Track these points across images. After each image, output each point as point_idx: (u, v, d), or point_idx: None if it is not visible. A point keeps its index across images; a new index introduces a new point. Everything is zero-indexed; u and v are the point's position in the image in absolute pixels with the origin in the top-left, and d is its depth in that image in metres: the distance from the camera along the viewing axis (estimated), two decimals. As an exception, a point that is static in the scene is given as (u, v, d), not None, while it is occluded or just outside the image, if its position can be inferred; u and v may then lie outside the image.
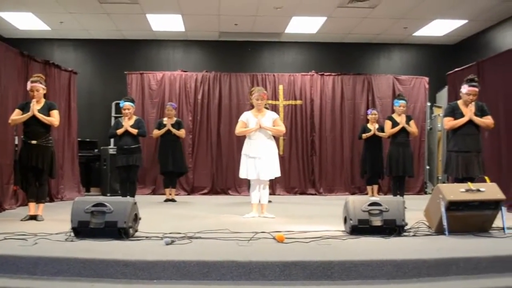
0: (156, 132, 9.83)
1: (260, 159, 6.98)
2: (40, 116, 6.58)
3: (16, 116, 6.67)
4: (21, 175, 6.78)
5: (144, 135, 8.94)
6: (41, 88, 6.71)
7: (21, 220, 6.50)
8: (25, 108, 6.65)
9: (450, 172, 6.80)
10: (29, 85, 6.71)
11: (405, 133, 8.74)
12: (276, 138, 7.74)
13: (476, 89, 6.67)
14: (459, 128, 6.65)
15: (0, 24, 11.67)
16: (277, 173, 7.17)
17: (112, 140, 11.22)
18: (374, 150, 9.90)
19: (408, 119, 8.82)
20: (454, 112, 6.73)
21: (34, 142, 6.59)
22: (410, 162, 8.77)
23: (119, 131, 8.65)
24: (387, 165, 8.85)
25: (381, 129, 9.74)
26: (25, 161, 6.61)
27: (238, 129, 7.22)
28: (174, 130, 9.69)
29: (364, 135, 9.99)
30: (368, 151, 10.00)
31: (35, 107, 6.57)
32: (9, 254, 4.04)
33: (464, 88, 6.70)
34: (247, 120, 7.16)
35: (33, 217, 6.59)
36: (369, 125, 10.07)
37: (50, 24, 11.84)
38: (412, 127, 8.78)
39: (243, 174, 7.15)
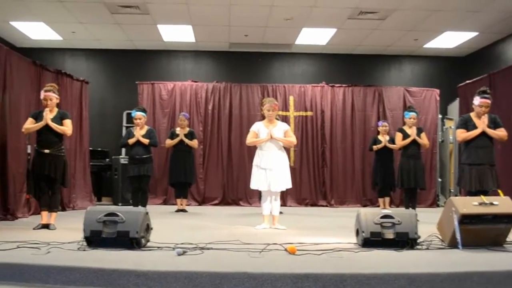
0: (169, 142, 9.85)
1: (271, 170, 6.96)
2: (53, 125, 6.62)
3: (30, 125, 6.71)
4: (34, 184, 6.80)
5: (155, 145, 8.89)
6: (54, 97, 6.74)
7: (34, 229, 6.52)
8: (38, 117, 6.70)
9: (464, 185, 6.74)
10: (42, 94, 6.75)
11: (416, 145, 8.67)
12: (287, 150, 7.68)
13: (489, 101, 6.63)
14: (472, 140, 6.60)
15: (13, 33, 11.79)
16: (289, 185, 7.13)
17: (123, 150, 11.26)
18: (385, 162, 9.84)
19: (419, 131, 8.76)
20: (466, 124, 6.68)
21: (47, 151, 6.63)
22: (422, 174, 8.71)
23: (131, 141, 8.63)
24: (399, 177, 8.77)
25: (392, 141, 9.72)
26: (38, 170, 6.64)
27: (249, 139, 7.21)
28: (187, 141, 9.72)
29: (375, 147, 9.91)
30: (379, 163, 9.93)
31: (48, 116, 6.61)
32: (22, 262, 4.05)
33: (476, 100, 6.67)
34: (258, 130, 7.15)
35: (46, 226, 6.60)
36: (379, 137, 10.00)
37: (62, 34, 11.95)
38: (423, 139, 8.73)
39: (254, 185, 7.12)
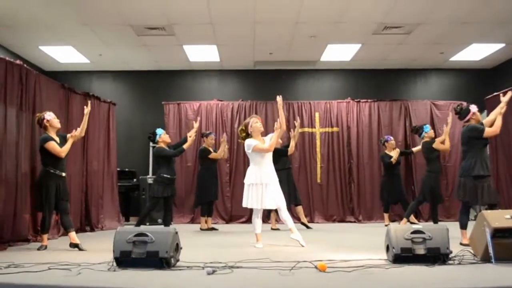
0: (215, 154, 9.87)
1: (268, 185, 6.90)
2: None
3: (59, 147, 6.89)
4: (51, 207, 6.93)
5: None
6: None
7: (38, 249, 6.72)
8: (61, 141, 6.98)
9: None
10: (56, 122, 7.12)
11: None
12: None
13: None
14: None
15: (42, 58, 12.01)
16: (284, 201, 7.07)
17: (150, 170, 11.29)
18: (394, 177, 10.49)
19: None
20: None
21: (64, 174, 6.98)
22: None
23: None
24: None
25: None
26: (57, 194, 6.87)
27: (266, 144, 6.93)
28: (219, 152, 9.83)
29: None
30: (390, 179, 10.52)
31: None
32: (54, 284, 4.09)
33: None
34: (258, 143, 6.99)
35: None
36: (388, 152, 10.48)
37: (90, 56, 12.13)
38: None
39: (250, 204, 6.96)
